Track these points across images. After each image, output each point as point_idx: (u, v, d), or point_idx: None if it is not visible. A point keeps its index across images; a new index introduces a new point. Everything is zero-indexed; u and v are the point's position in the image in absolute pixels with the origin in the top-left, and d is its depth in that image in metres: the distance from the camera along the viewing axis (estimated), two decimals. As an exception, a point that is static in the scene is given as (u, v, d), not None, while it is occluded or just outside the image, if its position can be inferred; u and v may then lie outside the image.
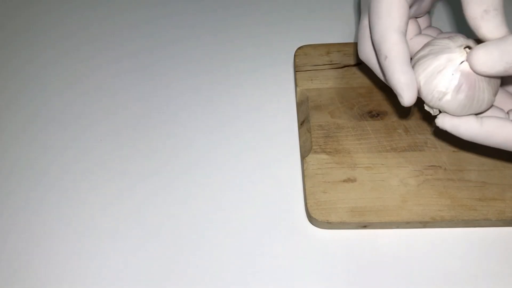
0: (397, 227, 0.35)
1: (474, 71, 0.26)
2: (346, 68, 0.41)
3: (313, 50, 0.43)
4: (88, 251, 0.36)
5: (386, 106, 0.39)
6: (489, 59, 0.25)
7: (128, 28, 0.48)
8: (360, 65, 0.41)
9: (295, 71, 0.42)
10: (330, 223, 0.34)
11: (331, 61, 0.42)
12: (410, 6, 0.30)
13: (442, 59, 0.27)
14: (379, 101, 0.39)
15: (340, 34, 0.46)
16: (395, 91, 0.28)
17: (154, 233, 0.36)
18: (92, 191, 0.39)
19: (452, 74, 0.27)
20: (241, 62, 0.45)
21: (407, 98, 0.27)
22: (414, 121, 0.38)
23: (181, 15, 0.49)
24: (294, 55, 0.42)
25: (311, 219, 0.35)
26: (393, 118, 0.38)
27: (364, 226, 0.35)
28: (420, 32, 0.32)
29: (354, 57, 0.42)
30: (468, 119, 0.28)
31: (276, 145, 0.40)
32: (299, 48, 0.43)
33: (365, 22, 0.32)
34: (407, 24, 0.29)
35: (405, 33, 0.28)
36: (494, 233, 0.35)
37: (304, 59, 0.42)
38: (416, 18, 0.33)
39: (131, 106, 0.43)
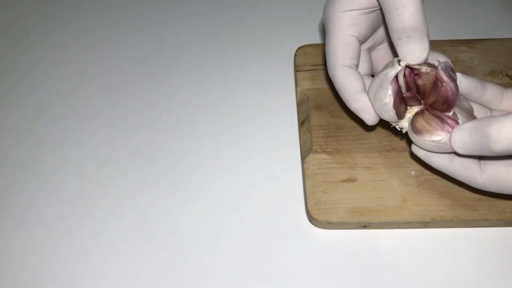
0: (397, 227, 0.35)
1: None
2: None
3: (313, 50, 0.42)
4: (88, 251, 0.36)
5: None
6: (465, 146, 0.27)
7: (129, 29, 0.48)
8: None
9: (295, 71, 0.42)
10: (330, 223, 0.34)
11: (331, 61, 0.42)
12: (363, 41, 0.33)
13: (381, 75, 0.30)
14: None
15: (340, 34, 0.46)
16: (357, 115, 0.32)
17: (154, 233, 0.36)
18: (92, 191, 0.39)
19: (388, 86, 0.29)
20: (241, 62, 0.45)
21: (367, 120, 0.32)
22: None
23: (181, 16, 0.49)
24: (294, 55, 0.42)
25: (311, 219, 0.35)
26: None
27: (364, 226, 0.35)
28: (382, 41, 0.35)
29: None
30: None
31: (276, 145, 0.40)
32: (299, 48, 0.43)
33: None
34: (354, 57, 0.32)
35: (353, 66, 0.32)
36: (494, 233, 0.35)
37: (304, 59, 0.42)
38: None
39: (131, 106, 0.43)
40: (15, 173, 0.40)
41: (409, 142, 0.32)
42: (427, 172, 0.36)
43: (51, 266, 0.35)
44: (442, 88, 0.29)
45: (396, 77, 0.30)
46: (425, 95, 0.30)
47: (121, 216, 0.37)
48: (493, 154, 0.26)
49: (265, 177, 0.38)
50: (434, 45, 0.42)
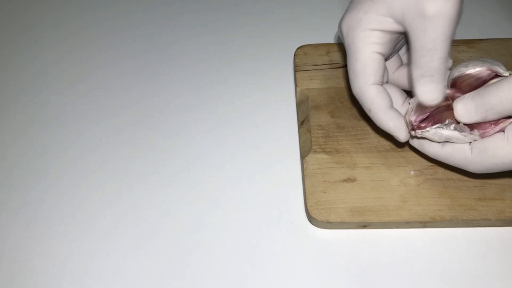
0: (397, 227, 0.35)
1: (458, 121, 0.30)
2: (346, 68, 0.41)
3: (313, 50, 0.43)
4: (88, 250, 0.36)
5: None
6: (467, 112, 0.29)
7: (128, 28, 0.48)
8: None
9: (295, 71, 0.42)
10: (330, 223, 0.34)
11: (331, 61, 0.42)
12: (387, 57, 0.33)
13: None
14: (379, 101, 0.39)
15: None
16: (390, 134, 0.32)
17: (154, 232, 0.36)
18: (92, 191, 0.39)
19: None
20: (241, 61, 0.45)
21: (402, 137, 0.32)
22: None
23: (181, 14, 0.49)
24: (294, 55, 0.42)
25: (311, 219, 0.35)
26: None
27: (364, 226, 0.35)
28: (401, 64, 0.35)
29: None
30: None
31: (276, 145, 0.40)
32: (299, 48, 0.43)
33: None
34: (383, 74, 0.32)
35: (381, 83, 0.32)
36: (494, 233, 0.35)
37: (304, 59, 0.42)
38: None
39: (131, 106, 0.43)
40: (15, 173, 0.40)
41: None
42: (426, 172, 0.36)
43: (51, 265, 0.35)
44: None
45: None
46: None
47: (121, 215, 0.37)
48: (496, 114, 0.28)
49: (265, 177, 0.38)
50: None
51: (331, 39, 0.44)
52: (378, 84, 0.31)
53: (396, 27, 0.30)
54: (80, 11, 0.50)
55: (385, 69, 0.32)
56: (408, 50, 0.32)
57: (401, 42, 0.34)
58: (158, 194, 0.38)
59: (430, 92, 0.30)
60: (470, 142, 0.30)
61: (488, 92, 0.28)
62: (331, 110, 0.39)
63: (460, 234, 0.35)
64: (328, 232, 0.36)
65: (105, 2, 0.50)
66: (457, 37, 0.43)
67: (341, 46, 0.42)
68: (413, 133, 0.31)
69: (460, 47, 0.42)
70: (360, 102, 0.32)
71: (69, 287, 0.35)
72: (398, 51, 0.35)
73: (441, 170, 0.36)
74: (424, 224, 0.34)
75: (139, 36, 0.47)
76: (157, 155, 0.40)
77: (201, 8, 0.49)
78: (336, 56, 0.42)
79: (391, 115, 0.31)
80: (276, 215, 0.37)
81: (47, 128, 0.42)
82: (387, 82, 0.34)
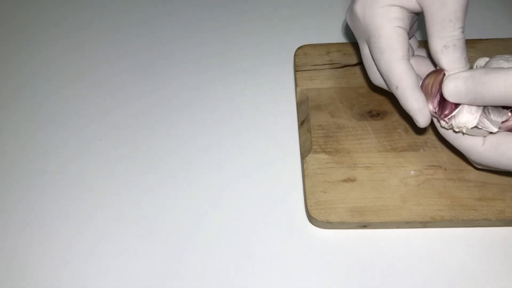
0: (397, 227, 0.35)
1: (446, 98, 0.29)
2: (346, 68, 0.41)
3: (313, 50, 0.43)
4: (88, 250, 0.36)
5: (386, 106, 0.39)
6: (456, 93, 0.28)
7: (128, 26, 0.48)
8: (360, 64, 0.41)
9: (295, 71, 0.42)
10: (330, 223, 0.34)
11: (331, 61, 0.42)
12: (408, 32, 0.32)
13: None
14: (379, 100, 0.39)
15: (340, 34, 0.46)
16: (411, 115, 0.31)
17: (154, 232, 0.36)
18: (92, 191, 0.39)
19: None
20: (241, 61, 0.45)
21: (422, 122, 0.31)
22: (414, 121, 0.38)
23: (181, 14, 0.49)
24: (294, 55, 0.42)
25: (311, 219, 0.35)
26: (393, 118, 0.38)
27: (364, 226, 0.35)
28: (413, 53, 0.34)
29: (355, 57, 0.42)
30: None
31: (276, 145, 0.40)
32: (299, 48, 0.43)
33: (365, 51, 0.33)
34: (408, 50, 0.31)
35: (409, 59, 0.31)
36: (494, 233, 0.35)
37: (304, 59, 0.42)
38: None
39: (131, 105, 0.43)
40: (14, 173, 0.40)
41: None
42: (426, 172, 0.36)
43: (51, 266, 0.35)
44: None
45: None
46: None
47: (121, 215, 0.37)
48: (484, 102, 0.27)
49: (265, 177, 0.38)
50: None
51: (331, 39, 0.44)
52: (406, 59, 0.31)
53: (413, 5, 0.30)
54: (78, 9, 0.50)
55: (408, 45, 0.31)
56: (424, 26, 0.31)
57: (413, 28, 0.34)
58: (157, 194, 0.38)
59: (458, 60, 0.29)
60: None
61: (482, 82, 0.27)
62: (331, 110, 0.39)
63: (460, 234, 0.35)
64: (328, 232, 0.36)
65: (108, 7, 0.50)
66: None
67: (341, 46, 0.42)
68: (443, 124, 0.30)
69: (460, 47, 0.42)
70: (387, 80, 0.31)
71: (69, 287, 0.35)
72: (410, 37, 0.34)
73: (441, 170, 0.36)
74: (424, 224, 0.34)
75: (139, 35, 0.47)
76: (157, 155, 0.40)
77: (201, 8, 0.49)
78: (336, 56, 0.42)
79: (417, 95, 0.30)
80: (276, 215, 0.37)
81: (47, 127, 0.42)
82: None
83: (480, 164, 0.31)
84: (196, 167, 0.39)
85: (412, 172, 0.36)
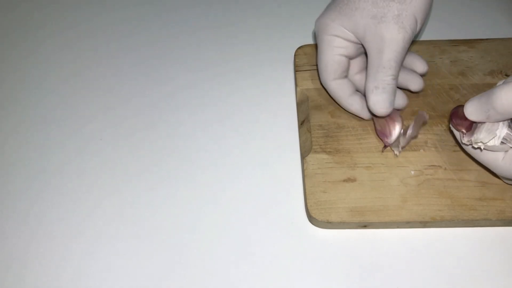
0: (397, 227, 0.35)
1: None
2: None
3: (313, 50, 0.43)
4: (88, 250, 0.36)
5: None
6: (474, 111, 0.31)
7: (129, 30, 0.48)
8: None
9: (295, 71, 0.42)
10: (330, 222, 0.34)
11: (331, 61, 0.42)
12: (352, 57, 0.37)
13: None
14: (379, 101, 0.39)
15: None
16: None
17: (154, 231, 0.36)
18: (92, 191, 0.39)
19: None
20: (241, 62, 0.45)
21: (365, 116, 0.38)
22: (414, 121, 0.38)
23: (181, 16, 0.49)
24: (294, 55, 0.42)
25: (311, 219, 0.35)
26: (393, 118, 0.38)
27: (364, 226, 0.35)
28: (364, 67, 0.38)
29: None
30: None
31: (276, 144, 0.40)
32: (299, 48, 0.43)
33: None
34: (344, 71, 0.37)
35: (342, 76, 0.37)
36: (494, 233, 0.35)
37: (304, 59, 0.42)
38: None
39: (131, 106, 0.43)
40: (15, 173, 0.40)
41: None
42: (426, 172, 0.36)
43: (51, 266, 0.35)
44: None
45: None
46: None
47: (121, 215, 0.37)
48: (497, 115, 0.30)
49: (265, 177, 0.38)
50: (434, 45, 0.42)
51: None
52: (337, 79, 0.37)
53: (356, 41, 0.35)
54: (81, 14, 0.50)
55: (348, 65, 0.37)
56: (367, 60, 0.35)
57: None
58: (157, 194, 0.38)
59: (383, 101, 0.34)
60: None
61: (492, 92, 0.29)
62: (331, 110, 0.39)
63: (460, 234, 0.35)
64: (328, 232, 0.36)
65: (108, 6, 0.50)
66: (457, 37, 0.43)
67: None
68: (464, 140, 0.32)
69: (460, 47, 0.42)
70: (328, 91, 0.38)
71: (69, 286, 0.35)
72: (363, 53, 0.38)
73: (441, 170, 0.36)
74: (424, 224, 0.34)
75: (140, 39, 0.47)
76: (157, 156, 0.40)
77: (202, 8, 0.49)
78: (336, 56, 0.42)
79: (351, 101, 0.37)
80: (276, 215, 0.37)
81: (48, 129, 0.42)
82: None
83: (506, 178, 0.33)
84: (196, 167, 0.39)
85: (412, 172, 0.36)
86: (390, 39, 0.33)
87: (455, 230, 0.35)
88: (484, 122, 0.31)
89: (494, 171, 0.33)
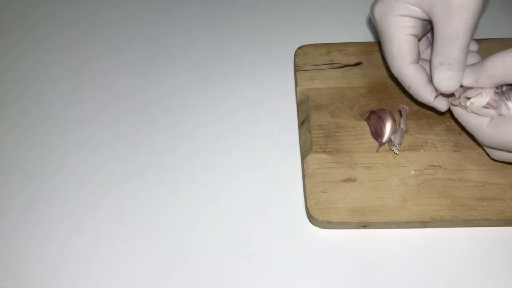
0: (397, 227, 0.35)
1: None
2: (346, 68, 0.41)
3: (313, 50, 0.43)
4: (88, 250, 0.36)
5: (386, 106, 0.39)
6: (465, 75, 0.32)
7: (129, 29, 0.48)
8: (360, 64, 0.41)
9: (295, 71, 0.42)
10: (330, 222, 0.34)
11: (331, 61, 0.42)
12: (420, 38, 0.35)
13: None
14: (379, 101, 0.39)
15: (340, 34, 0.46)
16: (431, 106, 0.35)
17: (154, 231, 0.36)
18: (92, 191, 0.39)
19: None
20: (241, 61, 0.45)
21: (443, 108, 0.34)
22: (414, 121, 0.38)
23: (182, 16, 0.49)
24: (294, 55, 0.42)
25: (311, 219, 0.35)
26: (393, 118, 0.38)
27: (364, 226, 0.35)
28: (429, 45, 0.37)
29: (355, 57, 0.42)
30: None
31: (276, 144, 0.40)
32: (299, 48, 0.43)
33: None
34: (418, 53, 0.34)
35: (417, 61, 0.34)
36: (494, 233, 0.35)
37: (304, 59, 0.42)
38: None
39: (131, 106, 0.43)
40: (15, 173, 0.40)
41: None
42: (426, 172, 0.36)
43: (51, 265, 0.35)
44: None
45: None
46: None
47: (121, 215, 0.37)
48: (486, 78, 0.30)
49: (265, 177, 0.38)
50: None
51: (331, 39, 0.44)
52: (414, 63, 0.34)
53: (424, 16, 0.32)
54: (81, 14, 0.50)
55: (418, 49, 0.34)
56: (433, 37, 0.33)
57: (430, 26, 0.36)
58: (157, 193, 0.38)
59: (448, 79, 0.32)
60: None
61: (486, 58, 0.30)
62: (331, 110, 0.39)
63: (460, 234, 0.35)
64: (328, 232, 0.36)
65: (107, 6, 0.50)
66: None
67: (341, 46, 0.42)
68: (454, 101, 0.33)
69: (460, 47, 0.42)
70: (400, 81, 0.35)
71: (68, 286, 0.35)
72: (428, 32, 0.37)
73: (441, 170, 0.36)
74: (424, 224, 0.34)
75: (140, 39, 0.47)
76: (157, 156, 0.40)
77: (201, 8, 0.49)
78: (336, 56, 0.42)
79: (429, 89, 0.34)
80: (276, 215, 0.37)
81: (48, 129, 0.42)
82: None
83: (487, 147, 0.33)
84: (196, 166, 0.39)
85: (412, 172, 0.36)
86: (458, 6, 0.30)
87: (455, 230, 0.35)
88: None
89: (478, 138, 0.33)
